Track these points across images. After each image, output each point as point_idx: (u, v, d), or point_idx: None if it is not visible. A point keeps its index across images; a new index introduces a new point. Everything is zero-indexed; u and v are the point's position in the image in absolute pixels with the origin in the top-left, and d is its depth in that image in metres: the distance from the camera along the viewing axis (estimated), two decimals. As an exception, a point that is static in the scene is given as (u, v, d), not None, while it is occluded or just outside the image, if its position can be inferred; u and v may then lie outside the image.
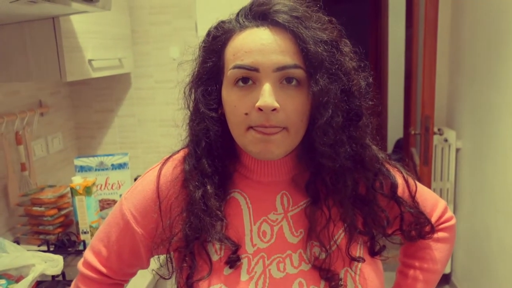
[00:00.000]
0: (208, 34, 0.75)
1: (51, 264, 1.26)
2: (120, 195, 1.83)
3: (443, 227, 0.89)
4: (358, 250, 0.76)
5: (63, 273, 1.31)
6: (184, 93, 0.77)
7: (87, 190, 1.56)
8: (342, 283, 0.72)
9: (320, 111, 0.67)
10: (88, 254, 0.84)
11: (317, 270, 0.72)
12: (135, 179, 1.87)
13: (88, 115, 2.22)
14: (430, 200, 0.88)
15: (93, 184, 1.60)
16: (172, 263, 0.77)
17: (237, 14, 0.73)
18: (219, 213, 0.72)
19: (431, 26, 2.34)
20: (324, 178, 0.72)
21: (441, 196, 2.82)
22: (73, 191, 1.56)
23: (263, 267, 0.73)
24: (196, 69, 0.76)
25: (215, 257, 0.73)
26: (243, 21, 0.71)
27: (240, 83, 0.68)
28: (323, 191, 0.74)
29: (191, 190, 0.73)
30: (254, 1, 0.71)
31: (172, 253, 0.77)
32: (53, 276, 1.31)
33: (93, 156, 1.82)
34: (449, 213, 0.90)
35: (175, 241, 0.74)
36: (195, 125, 0.74)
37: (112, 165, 1.81)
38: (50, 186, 1.75)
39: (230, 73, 0.69)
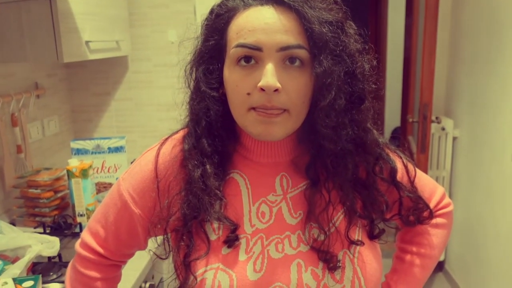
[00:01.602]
0: (211, 11, 0.73)
1: (48, 245, 1.26)
2: (117, 179, 1.82)
3: (441, 213, 0.89)
4: (357, 233, 0.76)
5: (59, 255, 1.31)
6: (185, 72, 0.76)
7: (84, 173, 1.56)
8: (340, 264, 0.71)
9: (323, 92, 0.67)
10: (85, 235, 0.84)
11: (315, 252, 0.72)
12: (132, 163, 1.87)
13: (84, 98, 2.21)
14: (428, 185, 0.88)
15: (90, 167, 1.59)
16: (169, 243, 0.77)
17: None
18: (218, 192, 0.72)
19: (432, 14, 2.32)
20: (324, 160, 0.71)
21: (437, 184, 2.83)
22: (70, 174, 1.56)
23: (261, 248, 0.72)
24: (198, 47, 0.75)
25: (213, 237, 0.73)
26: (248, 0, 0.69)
27: (243, 62, 0.67)
28: (323, 174, 0.74)
29: (190, 169, 0.73)
30: None
31: (169, 233, 0.77)
32: (49, 258, 1.31)
33: (90, 139, 1.81)
34: (447, 199, 0.90)
35: (173, 221, 0.74)
36: (196, 104, 0.73)
37: (109, 148, 1.80)
38: (46, 169, 1.74)
39: (232, 52, 0.68)
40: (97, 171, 1.80)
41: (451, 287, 2.87)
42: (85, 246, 0.83)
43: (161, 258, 0.78)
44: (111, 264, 0.85)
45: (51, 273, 1.24)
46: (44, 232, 1.51)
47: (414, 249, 0.88)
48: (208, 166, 0.72)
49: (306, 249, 0.73)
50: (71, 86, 2.19)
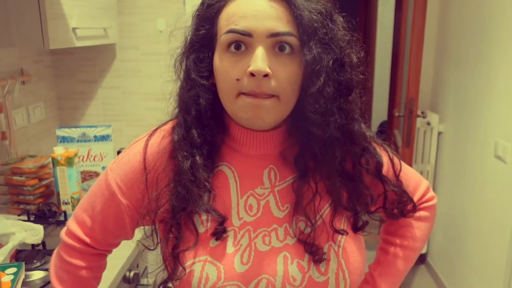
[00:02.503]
0: (202, 3, 0.73)
1: (32, 233, 1.25)
2: (103, 167, 1.82)
3: (425, 206, 0.90)
4: (342, 225, 0.77)
5: (43, 243, 1.30)
6: (175, 62, 0.76)
7: (69, 161, 1.55)
8: (325, 257, 0.73)
9: (312, 79, 0.67)
10: (71, 224, 0.83)
11: (301, 244, 0.73)
12: (118, 152, 1.86)
13: (71, 85, 2.19)
14: (413, 179, 0.89)
15: (75, 155, 1.58)
16: (157, 234, 0.77)
17: None
18: (207, 184, 0.72)
19: (420, 10, 2.33)
20: (313, 149, 0.72)
21: (421, 178, 2.87)
22: (55, 162, 1.54)
23: (248, 240, 0.73)
24: (189, 37, 0.75)
25: (201, 229, 0.74)
26: None
27: (233, 49, 0.67)
28: (311, 165, 0.74)
29: (180, 160, 0.73)
30: None
31: (157, 224, 0.77)
32: (33, 245, 1.30)
33: (76, 127, 1.79)
34: (431, 193, 0.92)
35: (161, 212, 0.74)
36: (185, 93, 0.73)
37: (95, 136, 1.79)
38: (31, 156, 1.72)
39: (223, 38, 0.68)
40: (82, 159, 1.79)
41: (433, 279, 2.92)
42: (71, 234, 0.83)
43: (149, 249, 0.78)
44: (97, 253, 0.84)
45: (35, 261, 1.24)
46: (28, 220, 1.50)
47: (398, 241, 0.90)
48: (197, 158, 0.72)
49: (293, 241, 0.74)
50: (57, 73, 2.16)
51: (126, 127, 2.23)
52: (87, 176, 1.81)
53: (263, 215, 0.75)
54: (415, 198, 0.87)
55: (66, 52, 2.12)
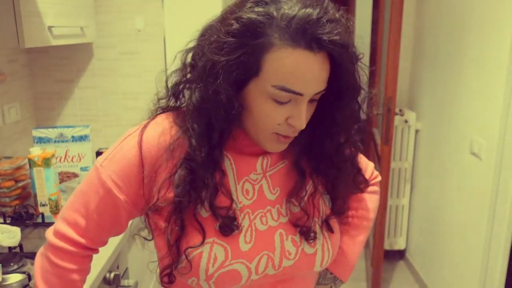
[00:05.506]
0: (246, 24, 0.68)
1: (8, 235, 1.23)
2: (81, 168, 1.80)
3: (374, 182, 1.03)
4: (323, 205, 0.87)
5: (20, 245, 1.28)
6: (205, 68, 0.71)
7: (46, 162, 1.52)
8: (313, 232, 0.82)
9: (339, 131, 0.80)
10: (61, 226, 0.81)
11: (293, 222, 0.82)
12: (97, 153, 1.84)
13: (47, 85, 2.15)
14: (363, 162, 1.00)
15: (53, 155, 1.55)
16: (151, 226, 0.80)
17: (287, 20, 0.66)
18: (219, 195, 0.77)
19: (397, 10, 2.37)
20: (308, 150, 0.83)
21: (399, 175, 2.93)
22: (31, 163, 1.51)
23: (249, 221, 0.80)
24: (224, 42, 0.69)
25: (204, 214, 0.77)
26: (296, 37, 0.66)
27: (280, 99, 0.71)
28: (302, 157, 0.84)
29: (201, 186, 0.75)
30: (308, 17, 0.66)
31: (156, 216, 0.78)
32: (10, 248, 1.28)
33: (53, 127, 1.76)
34: (376, 171, 1.05)
35: (162, 203, 0.76)
36: (209, 100, 0.71)
37: (73, 137, 1.76)
38: (7, 157, 1.69)
39: (274, 91, 0.70)
40: (60, 160, 1.76)
41: (411, 274, 2.97)
42: (62, 237, 0.81)
43: (147, 239, 0.82)
44: (87, 255, 0.84)
45: (12, 264, 1.21)
46: (5, 222, 1.46)
47: (353, 212, 1.00)
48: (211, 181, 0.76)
49: (285, 220, 0.83)
50: (33, 72, 2.12)
51: (104, 127, 2.20)
52: (65, 177, 1.78)
53: (258, 198, 0.82)
54: (367, 175, 0.99)
55: (42, 50, 2.09)
